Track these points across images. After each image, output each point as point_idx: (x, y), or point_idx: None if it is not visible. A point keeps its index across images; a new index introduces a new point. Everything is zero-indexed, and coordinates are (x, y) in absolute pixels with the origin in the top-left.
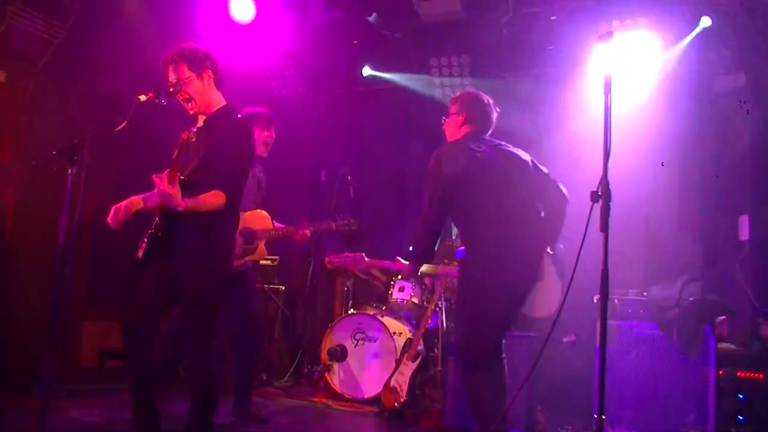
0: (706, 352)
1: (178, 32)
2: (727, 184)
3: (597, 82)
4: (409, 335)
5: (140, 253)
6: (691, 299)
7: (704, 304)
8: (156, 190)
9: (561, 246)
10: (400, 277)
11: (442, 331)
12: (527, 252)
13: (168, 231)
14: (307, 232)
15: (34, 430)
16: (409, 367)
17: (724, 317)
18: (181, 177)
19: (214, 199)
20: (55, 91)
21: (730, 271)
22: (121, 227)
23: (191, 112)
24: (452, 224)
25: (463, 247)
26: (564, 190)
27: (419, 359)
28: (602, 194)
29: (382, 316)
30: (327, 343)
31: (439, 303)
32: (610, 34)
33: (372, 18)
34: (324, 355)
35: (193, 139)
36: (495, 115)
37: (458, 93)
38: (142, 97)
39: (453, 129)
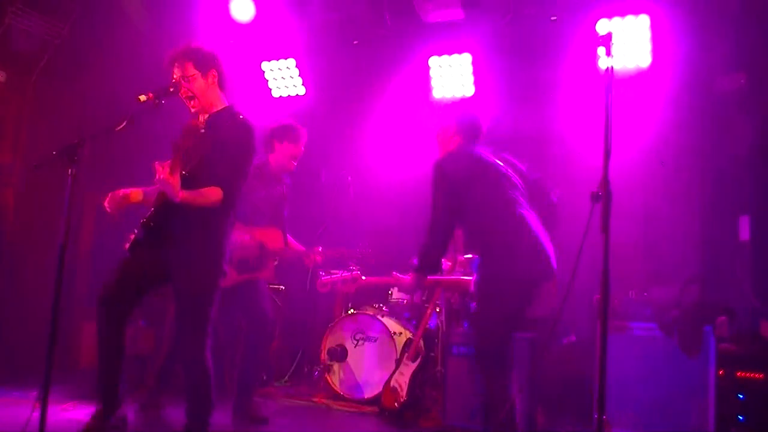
0: (706, 352)
1: (178, 32)
2: (727, 184)
3: (597, 81)
4: (409, 335)
5: (128, 245)
6: (691, 300)
7: (704, 305)
8: (156, 178)
9: None
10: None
11: (442, 331)
12: (536, 248)
13: (161, 223)
14: (319, 258)
15: (33, 430)
16: (409, 367)
17: (724, 317)
18: (183, 172)
19: (211, 194)
20: (55, 91)
21: (730, 271)
22: (121, 219)
23: (193, 110)
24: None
25: (473, 255)
26: (552, 196)
27: (419, 359)
28: (602, 195)
29: (382, 316)
30: (327, 343)
31: (439, 303)
32: (610, 34)
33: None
34: (324, 355)
35: (202, 129)
36: (483, 124)
37: (448, 104)
38: (142, 97)
39: (445, 140)
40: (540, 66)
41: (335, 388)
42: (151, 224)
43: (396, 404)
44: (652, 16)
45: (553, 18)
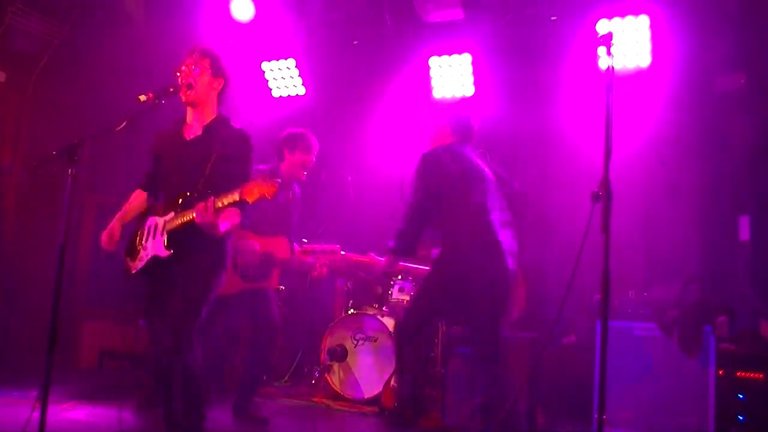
0: (706, 352)
1: (178, 32)
2: (727, 184)
3: (597, 81)
4: None
5: (137, 266)
6: (691, 300)
7: (704, 305)
8: (197, 219)
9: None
10: (399, 277)
11: (442, 331)
12: (499, 254)
13: (176, 252)
14: (325, 270)
15: (33, 430)
16: None
17: (724, 317)
18: (195, 194)
19: (234, 218)
20: (55, 91)
21: (730, 271)
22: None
23: (184, 98)
24: None
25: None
26: (524, 203)
27: None
28: (603, 195)
29: (382, 316)
30: (327, 343)
31: None
32: (610, 34)
33: None
34: (324, 355)
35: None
36: (476, 126)
37: (444, 105)
38: (143, 97)
39: (439, 136)
40: (540, 66)
41: (335, 388)
42: (167, 258)
43: (396, 404)
44: (652, 16)
45: (553, 18)
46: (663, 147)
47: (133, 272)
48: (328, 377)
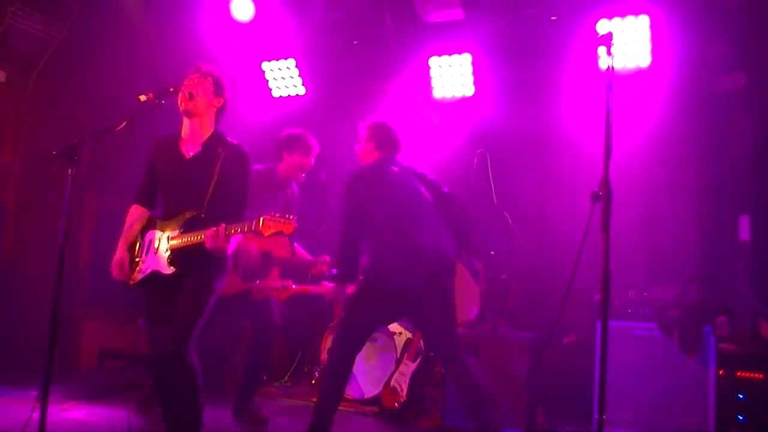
0: (706, 352)
1: (178, 32)
2: (727, 184)
3: (598, 81)
4: (409, 335)
5: (136, 278)
6: (691, 300)
7: (704, 305)
8: (207, 244)
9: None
10: None
11: None
12: (426, 263)
13: (179, 269)
14: (325, 269)
15: (33, 430)
16: (409, 367)
17: (724, 317)
18: (202, 215)
19: (241, 238)
20: (55, 91)
21: (730, 271)
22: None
23: (183, 107)
24: None
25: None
26: (452, 205)
27: (419, 359)
28: (603, 195)
29: None
30: (327, 343)
31: None
32: (610, 34)
33: None
34: (324, 355)
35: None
36: (402, 140)
37: (369, 121)
38: (143, 98)
39: (365, 154)
40: (540, 66)
41: None
42: (169, 274)
43: (396, 404)
44: (651, 16)
45: (553, 18)
46: (663, 147)
47: (131, 284)
48: None
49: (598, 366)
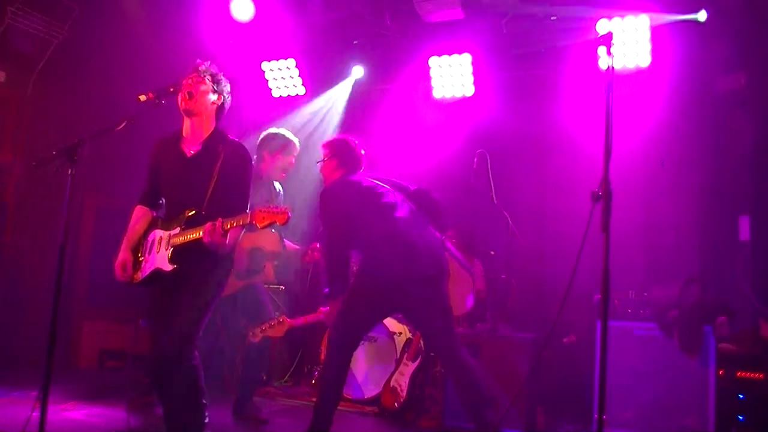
0: (706, 352)
1: (178, 32)
2: (727, 184)
3: (598, 81)
4: (409, 335)
5: (139, 277)
6: (691, 300)
7: (704, 305)
8: (205, 239)
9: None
10: None
11: None
12: (407, 250)
13: (180, 267)
14: (317, 255)
15: (33, 430)
16: (409, 367)
17: (724, 317)
18: (201, 213)
19: (238, 234)
20: (55, 91)
21: (730, 271)
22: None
23: (183, 105)
24: None
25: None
26: (433, 194)
27: (419, 359)
28: (603, 195)
29: None
30: (327, 343)
31: None
32: (610, 34)
33: None
34: (324, 355)
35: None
36: (363, 154)
37: (329, 138)
38: (143, 97)
39: (328, 172)
40: (540, 66)
41: None
42: (171, 271)
43: (396, 404)
44: (651, 16)
45: (553, 18)
46: (663, 147)
47: (134, 282)
48: None
49: (598, 366)
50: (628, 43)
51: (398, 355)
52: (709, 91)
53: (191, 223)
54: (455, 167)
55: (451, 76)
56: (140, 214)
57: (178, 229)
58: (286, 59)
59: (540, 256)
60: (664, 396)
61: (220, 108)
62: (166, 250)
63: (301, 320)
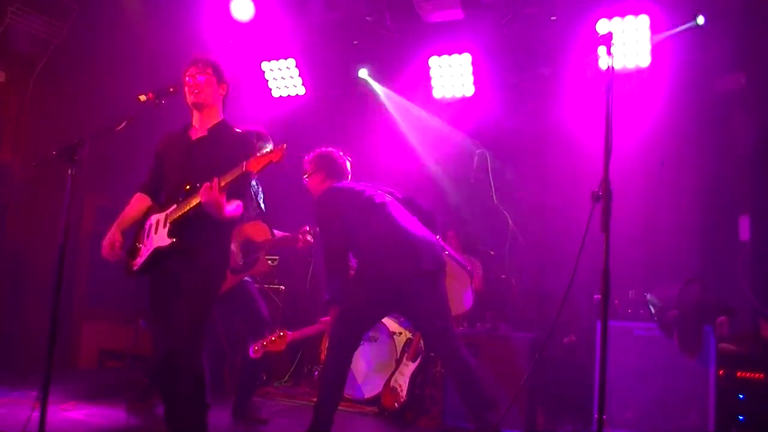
0: (706, 352)
1: (178, 32)
2: (727, 184)
3: (597, 81)
4: (409, 335)
5: (138, 262)
6: (691, 300)
7: (704, 305)
8: (202, 198)
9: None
10: None
11: None
12: (414, 253)
13: (179, 242)
14: (309, 238)
15: (33, 430)
16: (409, 367)
17: (724, 317)
18: (198, 185)
19: (237, 209)
20: (55, 91)
21: (730, 271)
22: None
23: (191, 99)
24: None
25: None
26: (423, 206)
27: (419, 359)
28: (603, 195)
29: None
30: (327, 343)
31: None
32: (610, 34)
33: None
34: (324, 355)
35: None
36: (349, 165)
37: (312, 154)
38: (143, 97)
39: (316, 185)
40: (540, 66)
41: None
42: (170, 246)
43: (396, 404)
44: (651, 16)
45: (553, 18)
46: (663, 147)
47: (135, 269)
48: None
49: (598, 366)
50: (628, 43)
51: (398, 355)
52: (709, 91)
53: (187, 197)
54: (455, 167)
55: (451, 76)
56: (137, 200)
57: (175, 205)
58: (286, 59)
59: (540, 255)
60: (664, 396)
61: (225, 97)
62: (164, 227)
63: (301, 333)
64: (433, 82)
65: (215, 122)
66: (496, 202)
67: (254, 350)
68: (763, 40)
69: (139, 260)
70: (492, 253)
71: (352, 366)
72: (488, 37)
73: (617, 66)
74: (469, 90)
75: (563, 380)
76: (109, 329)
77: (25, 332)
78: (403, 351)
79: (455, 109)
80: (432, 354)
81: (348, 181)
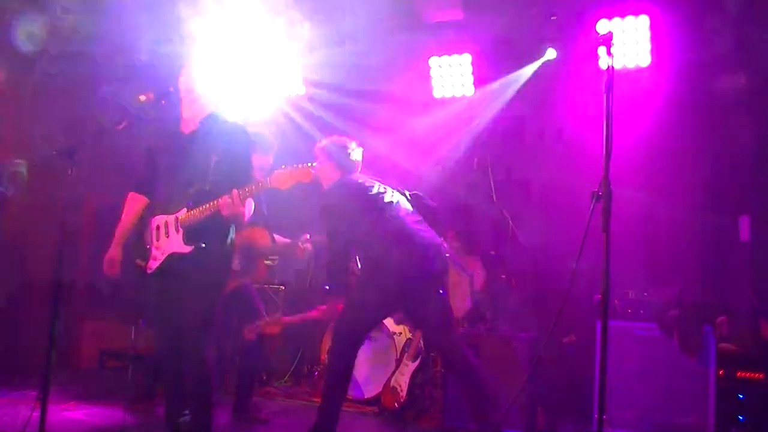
0: (706, 352)
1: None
2: (727, 184)
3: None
4: (409, 335)
5: (152, 265)
6: (691, 300)
7: (704, 304)
8: (224, 212)
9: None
10: None
11: None
12: (417, 252)
13: (196, 248)
14: (308, 246)
15: (33, 430)
16: (409, 367)
17: (724, 317)
18: (207, 188)
19: (248, 208)
20: (55, 91)
21: (730, 271)
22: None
23: (185, 86)
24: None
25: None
26: (430, 203)
27: (419, 359)
28: (603, 195)
29: None
30: (327, 343)
31: None
32: (610, 34)
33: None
34: (324, 355)
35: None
36: (361, 155)
37: (323, 142)
38: (143, 97)
39: (326, 175)
40: (539, 66)
41: None
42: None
43: (396, 404)
44: (651, 16)
45: (553, 18)
46: (663, 147)
47: (149, 272)
48: None
49: (598, 366)
50: (628, 43)
51: (398, 355)
52: (709, 91)
53: (197, 200)
54: (455, 167)
55: (451, 76)
56: (132, 203)
57: (185, 209)
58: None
59: (540, 256)
60: (664, 396)
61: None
62: (177, 232)
63: (297, 317)
64: (433, 82)
65: (205, 114)
66: (496, 202)
67: (249, 331)
68: (763, 40)
69: (153, 263)
70: (492, 253)
71: None
72: (488, 37)
73: (617, 66)
74: (469, 90)
75: (563, 380)
76: (109, 329)
77: (25, 332)
78: (403, 351)
79: (455, 109)
80: (432, 354)
81: (358, 175)
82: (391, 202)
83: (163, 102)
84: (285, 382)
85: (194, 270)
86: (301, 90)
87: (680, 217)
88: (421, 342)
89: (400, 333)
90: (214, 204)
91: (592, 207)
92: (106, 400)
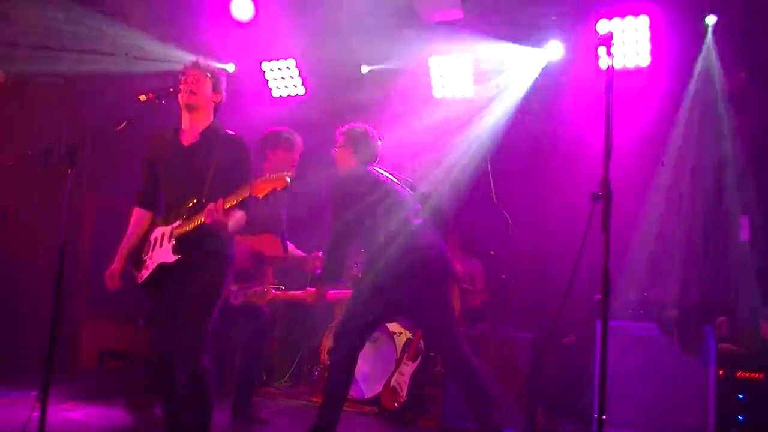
0: (706, 352)
1: (178, 31)
2: (727, 184)
3: (597, 81)
4: (408, 335)
5: (143, 275)
6: (691, 300)
7: (704, 305)
8: (206, 220)
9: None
10: None
11: None
12: (429, 261)
13: (184, 258)
14: (318, 264)
15: (33, 430)
16: (409, 367)
17: (724, 317)
18: (203, 201)
19: (240, 219)
20: (55, 90)
21: (730, 271)
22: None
23: (185, 100)
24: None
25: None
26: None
27: (419, 359)
28: (603, 195)
29: None
30: (327, 343)
31: None
32: (610, 34)
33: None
34: (324, 355)
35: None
36: (380, 145)
37: (346, 126)
38: (143, 97)
39: (343, 159)
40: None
41: None
42: (177, 262)
43: (396, 404)
44: (651, 16)
45: (553, 18)
46: (663, 147)
47: (140, 282)
48: None
49: (598, 366)
50: (628, 43)
51: (398, 355)
52: (710, 90)
53: (193, 212)
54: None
55: (451, 76)
56: (138, 218)
57: (180, 221)
58: (286, 59)
59: (540, 255)
60: (664, 396)
61: (218, 105)
62: (169, 242)
63: (285, 293)
64: (433, 82)
65: (206, 125)
66: (496, 202)
67: (234, 295)
68: (763, 40)
69: (145, 273)
70: (492, 253)
71: None
72: (488, 37)
73: (617, 66)
74: (469, 90)
75: (563, 380)
76: (109, 329)
77: (25, 332)
78: (403, 351)
79: (455, 109)
80: (432, 354)
81: (374, 168)
82: (407, 203)
83: (163, 102)
84: (285, 382)
85: (188, 278)
86: (302, 90)
87: (680, 217)
88: (421, 342)
89: (400, 333)
90: (201, 216)
91: (592, 207)
92: (106, 400)
